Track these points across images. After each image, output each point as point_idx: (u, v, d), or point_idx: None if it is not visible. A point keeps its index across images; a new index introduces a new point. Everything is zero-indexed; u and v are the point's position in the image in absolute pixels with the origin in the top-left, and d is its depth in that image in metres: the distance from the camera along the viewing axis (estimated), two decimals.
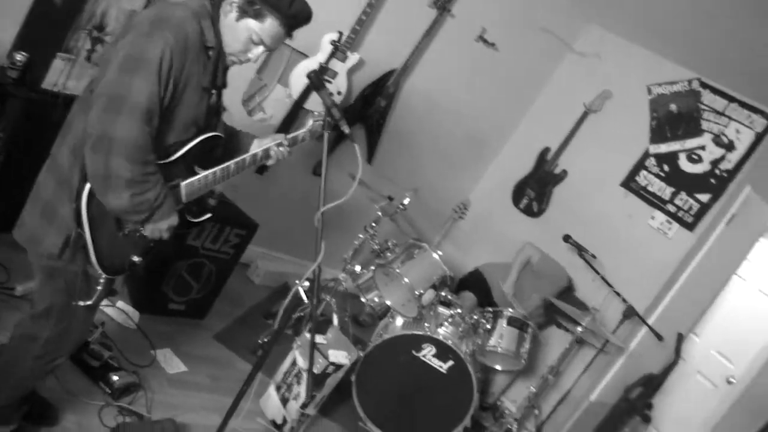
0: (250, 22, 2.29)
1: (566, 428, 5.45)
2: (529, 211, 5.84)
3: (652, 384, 5.37)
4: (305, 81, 4.65)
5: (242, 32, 2.31)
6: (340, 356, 3.76)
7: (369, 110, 5.06)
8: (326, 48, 4.60)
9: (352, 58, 4.69)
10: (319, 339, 3.75)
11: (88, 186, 2.15)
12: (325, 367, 3.62)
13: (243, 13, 2.28)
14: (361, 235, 4.59)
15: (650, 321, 5.07)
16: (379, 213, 4.53)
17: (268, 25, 2.31)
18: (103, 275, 2.33)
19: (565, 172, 5.72)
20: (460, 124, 5.78)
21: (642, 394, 5.38)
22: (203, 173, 2.39)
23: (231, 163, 2.44)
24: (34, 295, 2.50)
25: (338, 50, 4.61)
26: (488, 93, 5.80)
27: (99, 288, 2.38)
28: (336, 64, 4.65)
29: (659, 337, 4.86)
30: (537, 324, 5.12)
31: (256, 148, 2.59)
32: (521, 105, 6.13)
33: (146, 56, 2.08)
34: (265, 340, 4.19)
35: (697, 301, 5.63)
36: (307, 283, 2.70)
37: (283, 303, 4.40)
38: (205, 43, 2.24)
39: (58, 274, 2.33)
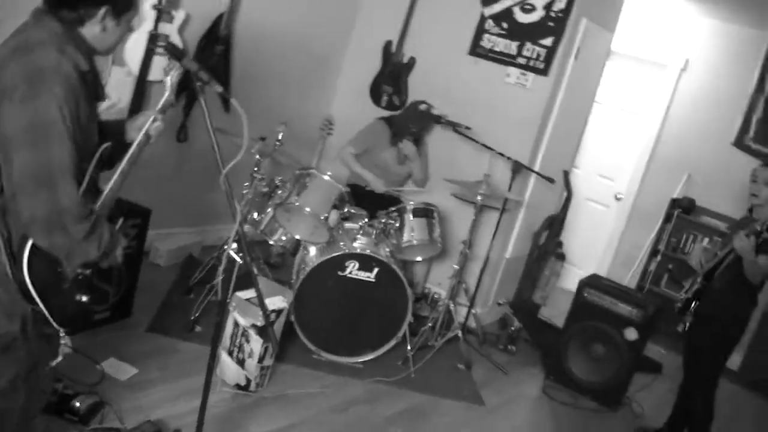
0: (129, 15, 2.25)
1: (494, 290, 5.77)
2: (392, 106, 5.93)
3: (555, 224, 5.71)
4: (141, 53, 4.53)
5: (123, 29, 2.25)
6: (277, 301, 3.83)
7: (211, 61, 4.97)
8: (149, 14, 4.46)
9: (179, 16, 4.58)
10: (250, 294, 3.78)
11: (25, 260, 2.07)
12: (269, 316, 3.68)
13: (119, 15, 2.20)
14: (246, 183, 4.60)
15: (536, 168, 5.36)
16: (257, 156, 4.53)
17: (139, 4, 2.28)
18: (63, 331, 2.29)
19: (413, 59, 5.83)
20: (300, 46, 5.76)
21: (550, 236, 5.72)
22: (107, 188, 2.32)
23: (124, 163, 2.35)
24: None
25: (162, 13, 4.49)
26: (315, 7, 5.78)
27: (62, 343, 2.34)
28: (165, 27, 4.53)
29: (551, 180, 5.15)
30: (420, 131, 5.27)
31: (134, 132, 2.51)
32: (350, 7, 6.15)
33: (47, 120, 1.98)
34: (197, 315, 4.21)
35: (570, 136, 5.95)
36: (234, 245, 2.72)
37: (216, 273, 4.45)
38: (80, 69, 2.10)
39: (14, 346, 2.22)
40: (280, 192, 4.55)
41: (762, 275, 3.95)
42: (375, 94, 6.02)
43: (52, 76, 2.02)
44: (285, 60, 5.68)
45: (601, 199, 7.24)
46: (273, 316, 3.75)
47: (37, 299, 2.13)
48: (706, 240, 6.34)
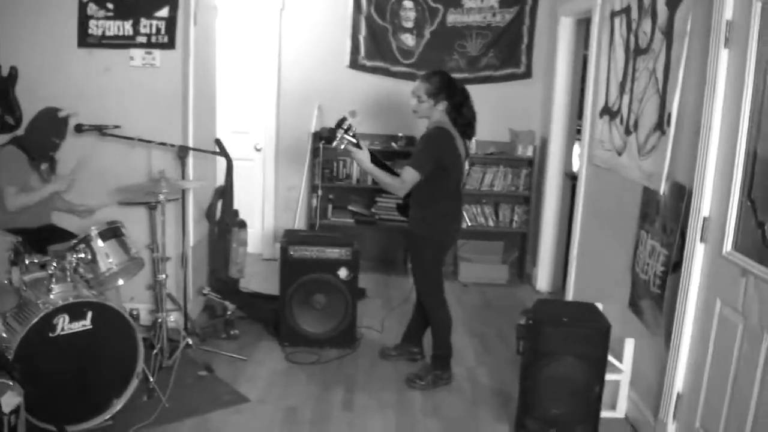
0: None
1: (190, 283, 5.42)
2: (8, 128, 4.98)
3: (226, 195, 5.50)
4: None
5: None
6: (9, 400, 3.15)
7: None
8: None
9: None
10: None
11: None
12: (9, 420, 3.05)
13: None
14: None
15: (191, 144, 5.06)
16: None
17: None
18: None
19: (14, 69, 4.98)
20: None
21: (225, 208, 5.52)
22: None
23: None
24: None
25: None
26: None
27: None
28: None
29: (220, 154, 4.97)
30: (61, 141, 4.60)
31: None
32: None
33: None
34: None
35: (209, 103, 5.74)
36: None
37: None
38: None
39: None
40: None
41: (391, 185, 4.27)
42: None
43: None
44: None
45: (243, 155, 7.12)
46: (12, 419, 3.10)
47: None
48: None
